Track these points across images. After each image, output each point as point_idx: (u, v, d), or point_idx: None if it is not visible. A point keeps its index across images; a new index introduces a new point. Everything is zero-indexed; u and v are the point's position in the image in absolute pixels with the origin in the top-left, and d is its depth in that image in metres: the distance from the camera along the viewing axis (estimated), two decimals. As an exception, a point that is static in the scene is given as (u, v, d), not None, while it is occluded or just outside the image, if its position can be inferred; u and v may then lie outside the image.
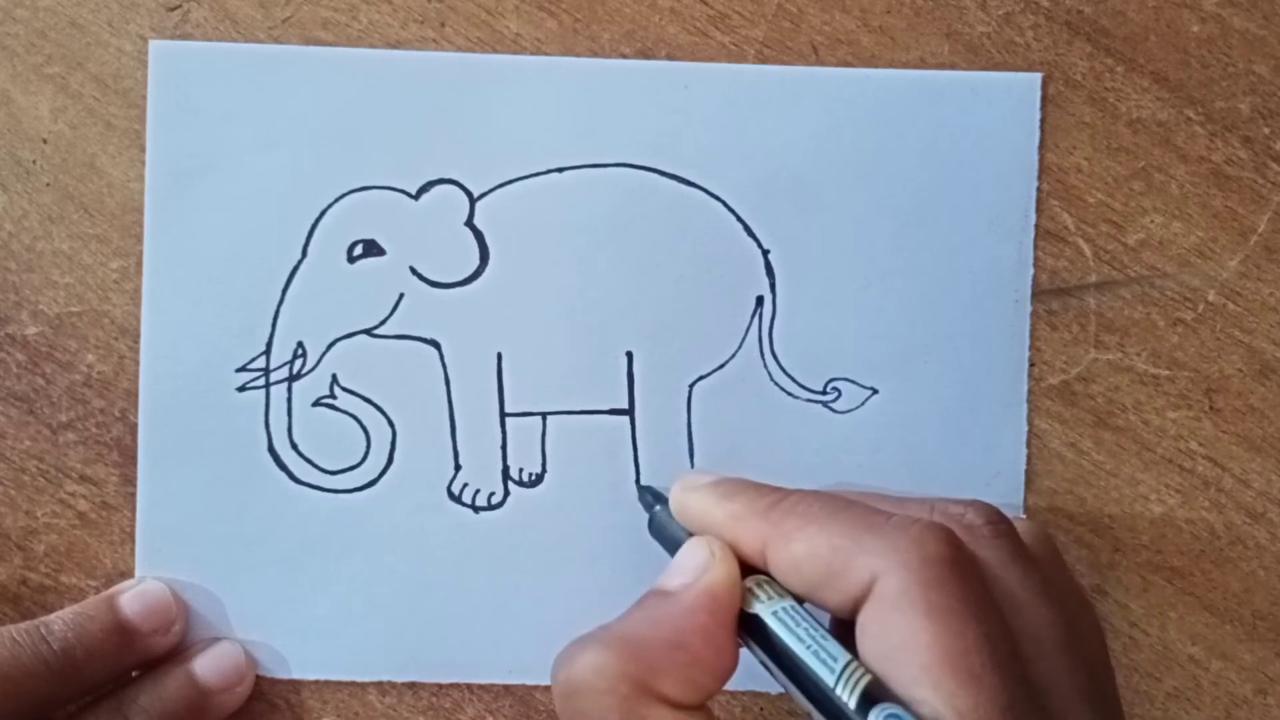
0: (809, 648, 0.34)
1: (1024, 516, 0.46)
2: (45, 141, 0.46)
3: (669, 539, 0.41)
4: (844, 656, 0.33)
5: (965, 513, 0.38)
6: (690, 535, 0.39)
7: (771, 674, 0.35)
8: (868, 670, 0.33)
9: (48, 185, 0.46)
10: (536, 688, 0.46)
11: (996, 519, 0.38)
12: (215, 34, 0.45)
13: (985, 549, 0.37)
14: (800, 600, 0.36)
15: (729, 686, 0.45)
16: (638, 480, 0.46)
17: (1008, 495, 0.46)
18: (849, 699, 0.32)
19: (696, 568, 0.36)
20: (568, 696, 0.34)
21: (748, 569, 0.37)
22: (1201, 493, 0.46)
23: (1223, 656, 0.46)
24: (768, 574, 0.37)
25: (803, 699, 0.34)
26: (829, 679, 0.33)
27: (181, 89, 0.45)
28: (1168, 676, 0.47)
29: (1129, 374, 0.46)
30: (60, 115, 0.45)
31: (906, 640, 0.32)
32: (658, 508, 0.42)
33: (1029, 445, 0.46)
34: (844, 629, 0.35)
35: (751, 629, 0.36)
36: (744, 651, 0.36)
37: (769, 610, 0.35)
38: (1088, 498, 0.46)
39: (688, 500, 0.40)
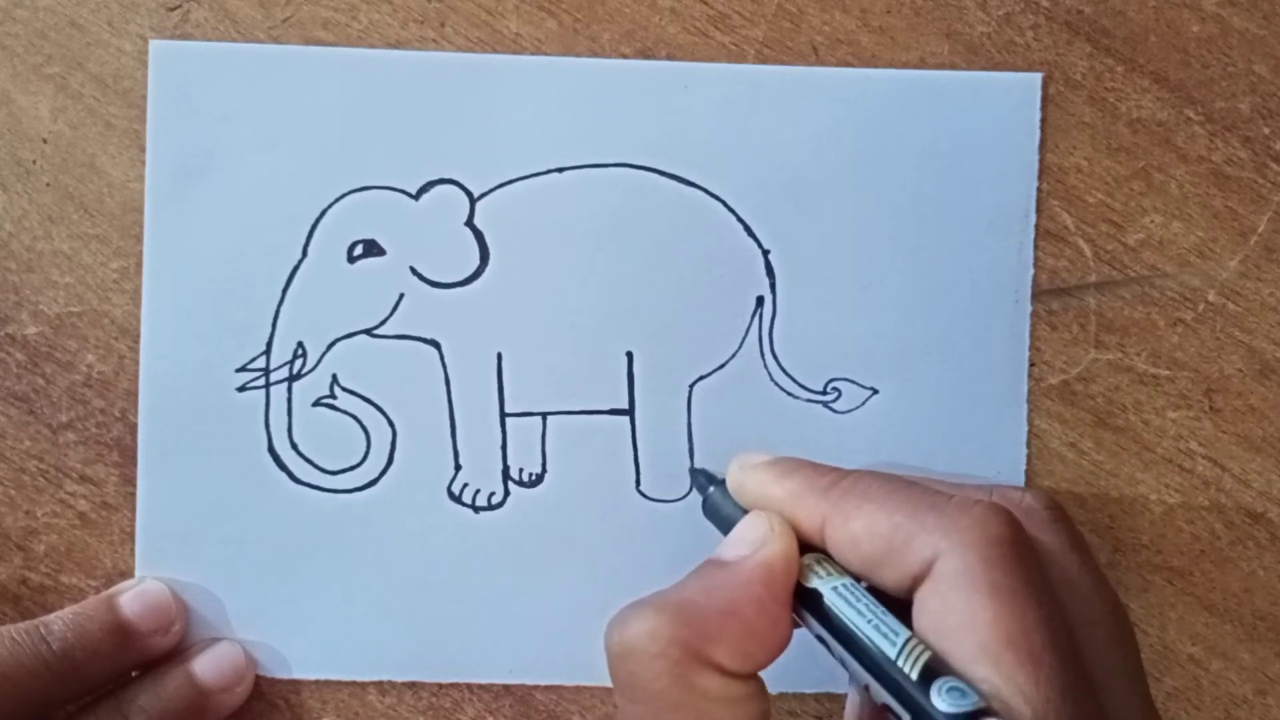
0: (870, 622, 0.34)
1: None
2: (45, 141, 0.45)
3: (724, 519, 0.41)
4: (904, 632, 0.33)
5: (1024, 497, 0.39)
6: (745, 514, 0.39)
7: (829, 649, 0.35)
8: (928, 646, 0.33)
9: (48, 185, 0.46)
10: (536, 688, 0.46)
11: (1054, 505, 0.39)
12: (215, 34, 0.45)
13: (1044, 533, 0.37)
14: (857, 578, 0.36)
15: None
16: (638, 481, 0.46)
17: (1008, 495, 0.46)
18: (910, 672, 0.32)
19: (755, 540, 0.36)
20: (621, 659, 0.34)
21: (805, 547, 0.37)
22: (1201, 493, 0.46)
23: (1223, 656, 0.46)
24: (825, 552, 0.37)
25: (863, 672, 0.34)
26: (890, 652, 0.33)
27: (182, 89, 0.45)
28: (1168, 676, 0.47)
29: (1129, 374, 0.46)
30: (60, 115, 0.45)
31: (966, 619, 0.33)
32: (712, 489, 0.42)
33: (1029, 445, 0.46)
34: (898, 609, 0.35)
35: (809, 603, 0.36)
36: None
37: (828, 585, 0.35)
38: (1088, 498, 0.46)
39: (745, 479, 0.40)
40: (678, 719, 0.33)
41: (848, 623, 0.34)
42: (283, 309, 0.45)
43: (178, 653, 0.45)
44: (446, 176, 0.45)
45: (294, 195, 0.45)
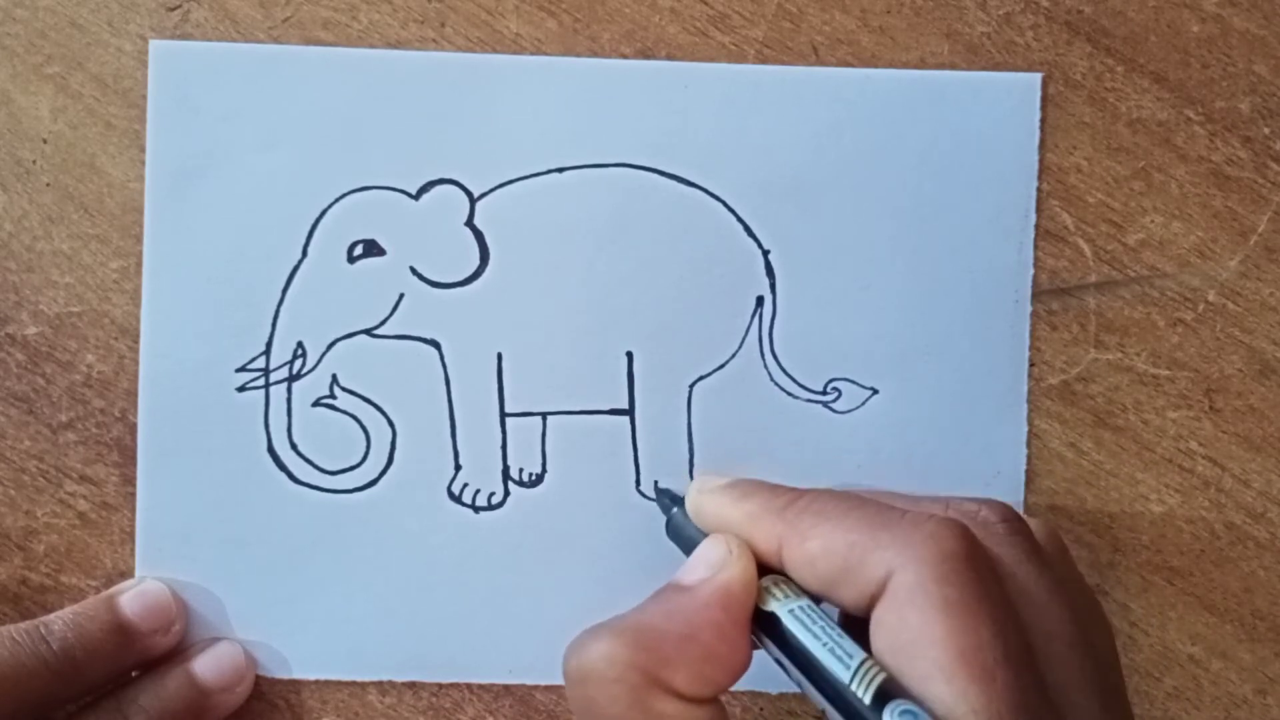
0: (825, 645, 0.34)
1: (1033, 516, 0.46)
2: (45, 141, 0.45)
3: (686, 540, 0.41)
4: (859, 654, 0.33)
5: (980, 510, 0.38)
6: (706, 536, 0.39)
7: (786, 672, 0.35)
8: (883, 668, 0.33)
9: (48, 185, 0.46)
10: (536, 688, 0.46)
11: (1011, 516, 0.38)
12: (215, 34, 0.45)
13: (1000, 546, 0.37)
14: (816, 600, 0.36)
15: (742, 686, 0.45)
16: (638, 481, 0.46)
17: (1008, 495, 0.46)
18: (864, 696, 0.32)
19: (713, 563, 0.36)
20: (578, 683, 0.34)
21: (764, 569, 0.37)
22: (1201, 493, 0.47)
23: (1223, 656, 0.46)
24: (784, 574, 0.37)
25: (818, 696, 0.34)
26: (844, 676, 0.33)
27: (182, 89, 0.45)
28: (1168, 676, 0.47)
29: (1129, 374, 0.46)
30: (60, 115, 0.45)
31: (920, 635, 0.33)
32: (675, 509, 0.42)
33: (1029, 445, 0.46)
34: (859, 628, 0.35)
35: (767, 626, 0.36)
36: (756, 651, 0.36)
37: (785, 608, 0.36)
38: (1088, 498, 0.46)
39: (703, 502, 0.40)
40: None
41: (802, 646, 0.35)
42: (283, 309, 0.45)
43: (178, 653, 0.45)
44: (446, 176, 0.45)
45: (294, 195, 0.45)
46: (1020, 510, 0.46)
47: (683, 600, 0.36)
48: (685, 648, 0.34)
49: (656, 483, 0.46)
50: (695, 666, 0.34)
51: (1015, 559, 0.37)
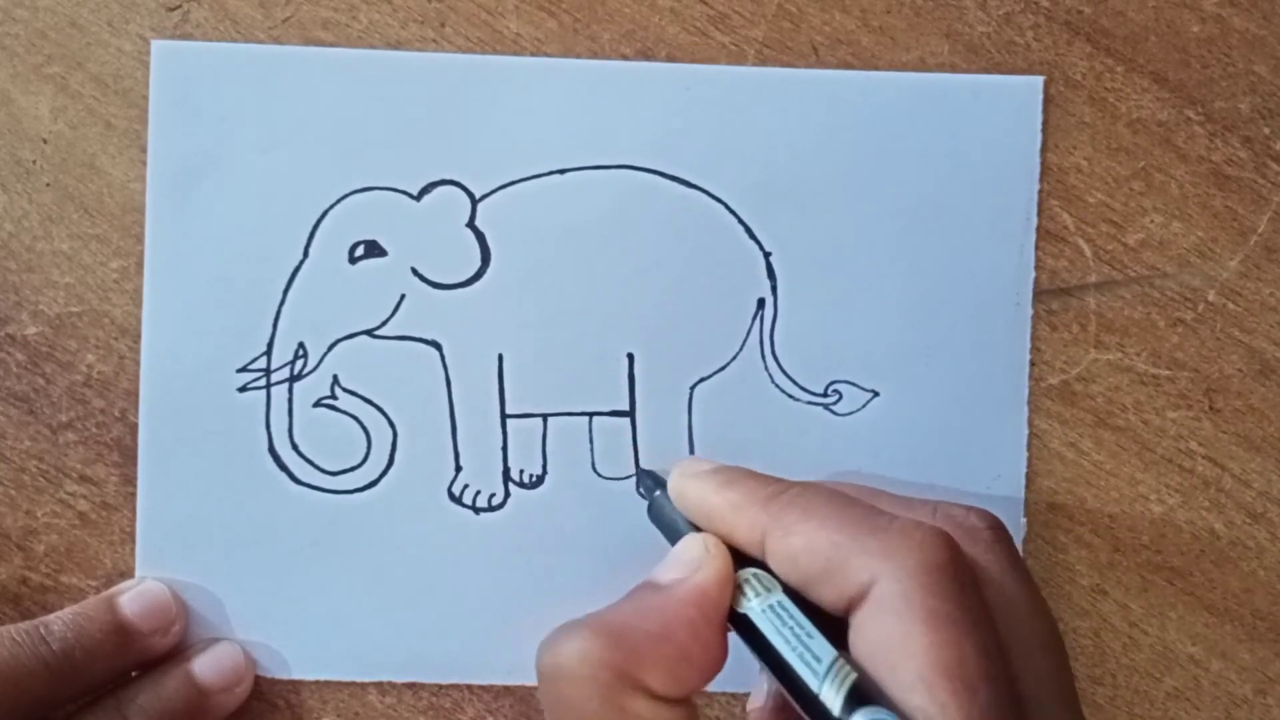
0: (794, 649, 0.34)
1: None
2: (45, 141, 0.45)
3: (667, 525, 0.41)
4: (829, 656, 0.33)
5: (968, 516, 0.38)
6: (688, 522, 0.39)
7: (766, 668, 0.35)
8: (855, 668, 0.33)
9: (48, 185, 0.45)
10: (537, 688, 0.46)
11: (997, 524, 0.38)
12: (215, 34, 0.45)
13: (985, 553, 0.37)
14: (796, 593, 0.36)
15: (719, 687, 0.45)
16: (638, 483, 0.46)
17: (1008, 495, 0.46)
18: (834, 699, 0.32)
19: (690, 563, 0.36)
20: (550, 680, 0.34)
21: (744, 559, 0.37)
22: (1201, 493, 0.47)
23: (1223, 656, 0.47)
24: (764, 565, 0.37)
25: (790, 697, 0.34)
26: (813, 682, 0.33)
27: (183, 89, 0.45)
28: (1168, 676, 0.47)
29: (1129, 374, 0.46)
30: (60, 115, 0.45)
31: (901, 645, 0.32)
32: (658, 493, 0.42)
33: (1029, 445, 0.46)
34: (836, 626, 0.35)
35: (741, 624, 0.36)
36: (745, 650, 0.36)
37: (759, 606, 0.35)
38: (1088, 498, 0.46)
39: (686, 487, 0.40)
40: None
41: (774, 646, 0.34)
42: (284, 309, 0.45)
43: (178, 653, 0.45)
44: (448, 177, 0.45)
45: (295, 196, 0.45)
46: (1020, 510, 0.46)
47: (658, 599, 0.35)
48: (659, 647, 0.34)
49: (639, 464, 0.46)
50: (668, 666, 0.34)
51: (1000, 568, 0.37)
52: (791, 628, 0.35)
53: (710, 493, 0.39)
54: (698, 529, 0.39)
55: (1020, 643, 0.35)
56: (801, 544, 0.35)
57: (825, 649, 0.34)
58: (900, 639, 0.32)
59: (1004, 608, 0.36)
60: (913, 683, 0.32)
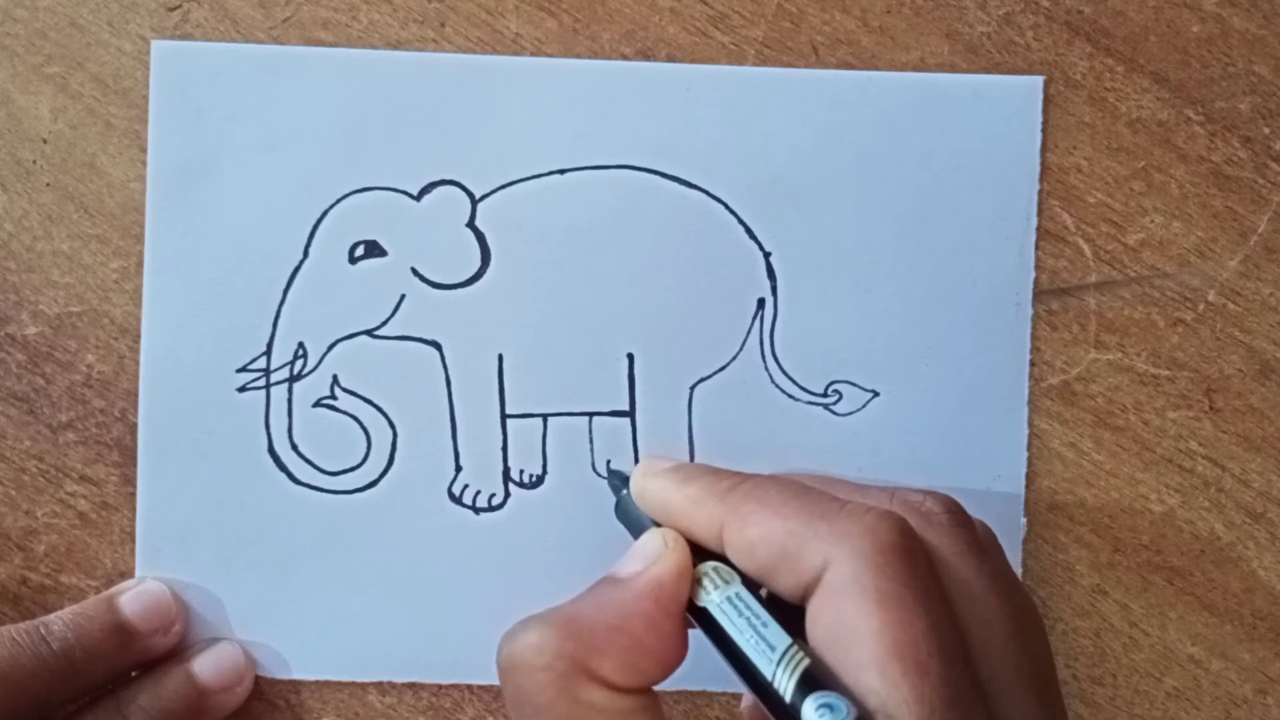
0: (749, 638, 0.34)
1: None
2: (45, 141, 0.45)
3: (632, 522, 0.42)
4: (783, 643, 0.34)
5: (924, 501, 0.38)
6: (651, 519, 0.40)
7: (727, 660, 0.36)
8: (808, 655, 0.33)
9: (48, 185, 0.45)
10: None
11: (955, 509, 0.38)
12: (215, 34, 0.45)
13: (940, 537, 0.37)
14: (755, 585, 0.36)
15: (722, 687, 0.45)
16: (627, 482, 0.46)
17: (1008, 495, 0.46)
18: (786, 684, 0.32)
19: (648, 557, 0.37)
20: (508, 672, 0.34)
21: (704, 554, 0.37)
22: (1201, 493, 0.47)
23: (1223, 656, 0.47)
24: (724, 558, 0.37)
25: (748, 690, 0.34)
26: (767, 666, 0.33)
27: (183, 89, 0.45)
28: (1168, 676, 0.47)
29: (1129, 374, 0.46)
30: (60, 115, 0.45)
31: (854, 627, 0.33)
32: (625, 491, 0.42)
33: (1029, 445, 0.46)
34: (796, 616, 0.35)
35: (700, 616, 0.36)
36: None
37: (717, 598, 0.36)
38: (1088, 498, 0.46)
39: (647, 485, 0.41)
40: None
41: (730, 636, 0.35)
42: (283, 309, 0.45)
43: (178, 653, 0.45)
44: (448, 177, 0.45)
45: (295, 196, 0.45)
46: (1020, 511, 0.46)
47: (615, 592, 0.36)
48: (614, 638, 0.34)
49: (609, 463, 0.46)
50: (624, 656, 0.34)
51: (955, 550, 0.37)
52: (748, 618, 0.35)
53: (670, 489, 0.40)
54: (659, 526, 0.40)
55: (980, 624, 0.35)
56: (757, 534, 0.36)
57: (780, 637, 0.34)
58: (853, 622, 0.33)
59: (961, 589, 0.36)
60: (865, 664, 0.32)
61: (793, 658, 0.33)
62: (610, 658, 0.34)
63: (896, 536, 0.34)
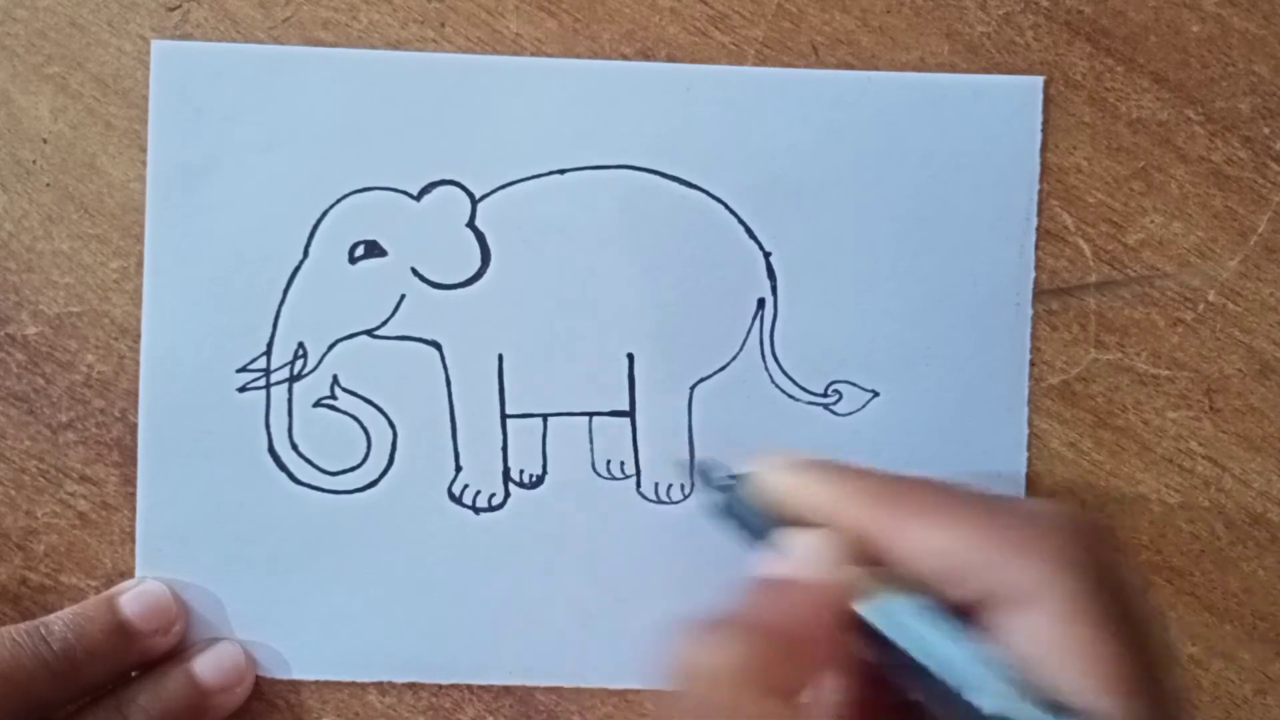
0: (947, 649, 0.33)
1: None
2: (45, 141, 0.45)
3: (750, 524, 0.38)
4: (999, 658, 0.32)
5: (1078, 514, 0.37)
6: (772, 520, 0.37)
7: (889, 670, 0.34)
8: (1020, 670, 0.32)
9: (48, 185, 0.45)
10: (536, 688, 0.46)
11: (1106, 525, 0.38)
12: (215, 34, 0.45)
13: (1115, 554, 0.36)
14: (915, 591, 0.34)
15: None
16: (638, 483, 0.46)
17: (1008, 495, 0.46)
18: (1016, 704, 0.31)
19: (812, 560, 0.35)
20: (688, 680, 0.33)
21: (858, 558, 0.35)
22: (1201, 493, 0.47)
23: (1223, 656, 0.47)
24: (877, 563, 0.35)
25: (930, 702, 0.33)
26: (984, 684, 0.32)
27: (183, 89, 0.45)
28: (1167, 676, 0.47)
29: (1129, 374, 0.46)
30: (60, 115, 0.45)
31: (1065, 647, 0.32)
32: (735, 488, 0.39)
33: (1029, 445, 0.46)
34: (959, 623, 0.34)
35: (865, 625, 0.34)
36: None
37: (888, 606, 0.34)
38: (1088, 498, 0.46)
39: (783, 482, 0.38)
40: None
41: (931, 647, 0.33)
42: (284, 309, 0.45)
43: (178, 653, 0.45)
44: (448, 177, 0.45)
45: (295, 196, 0.45)
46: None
47: (784, 597, 0.34)
48: (785, 645, 0.33)
49: (694, 458, 0.46)
50: (794, 664, 0.33)
51: (1125, 564, 0.36)
52: (941, 629, 0.33)
53: (815, 488, 0.37)
54: (783, 525, 0.37)
55: (1159, 642, 0.34)
56: (932, 542, 0.34)
57: (986, 651, 0.32)
58: (1064, 641, 0.32)
59: (1147, 613, 0.35)
60: (1080, 685, 0.31)
61: (1015, 674, 0.32)
62: (781, 666, 0.32)
63: (1106, 554, 0.33)
